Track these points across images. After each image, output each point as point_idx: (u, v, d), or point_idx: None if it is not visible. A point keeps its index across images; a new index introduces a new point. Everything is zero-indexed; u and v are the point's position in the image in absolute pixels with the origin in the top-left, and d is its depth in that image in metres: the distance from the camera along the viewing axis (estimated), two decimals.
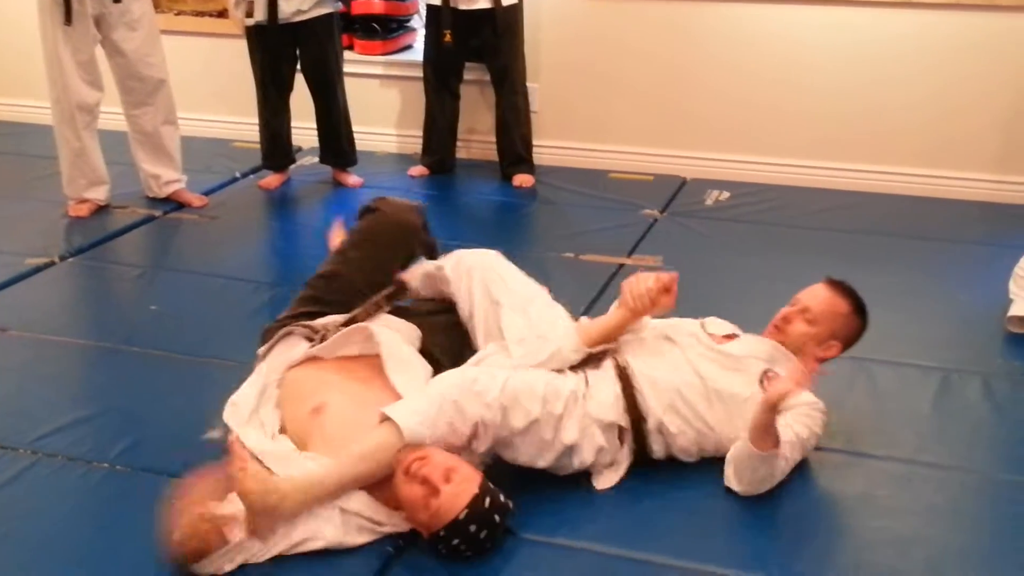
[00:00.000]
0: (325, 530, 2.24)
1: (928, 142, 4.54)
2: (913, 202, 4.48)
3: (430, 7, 4.65)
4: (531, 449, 2.40)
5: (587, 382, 2.52)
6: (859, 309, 2.71)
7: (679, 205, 4.48)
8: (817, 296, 2.71)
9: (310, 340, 2.64)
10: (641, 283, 2.58)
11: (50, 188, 4.50)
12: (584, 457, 2.46)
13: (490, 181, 4.81)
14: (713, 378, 2.54)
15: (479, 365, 2.56)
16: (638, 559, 2.28)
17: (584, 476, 2.52)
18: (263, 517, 2.19)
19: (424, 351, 2.66)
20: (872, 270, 3.77)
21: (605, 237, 4.07)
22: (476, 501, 2.20)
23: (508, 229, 4.40)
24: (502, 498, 2.27)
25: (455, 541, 2.21)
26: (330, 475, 2.25)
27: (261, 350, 2.71)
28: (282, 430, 2.50)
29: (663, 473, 2.57)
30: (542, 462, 2.42)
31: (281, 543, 2.22)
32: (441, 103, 4.81)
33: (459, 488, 2.20)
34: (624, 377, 2.52)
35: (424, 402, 2.32)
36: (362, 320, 2.66)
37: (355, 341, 2.60)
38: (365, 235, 2.83)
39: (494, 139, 4.84)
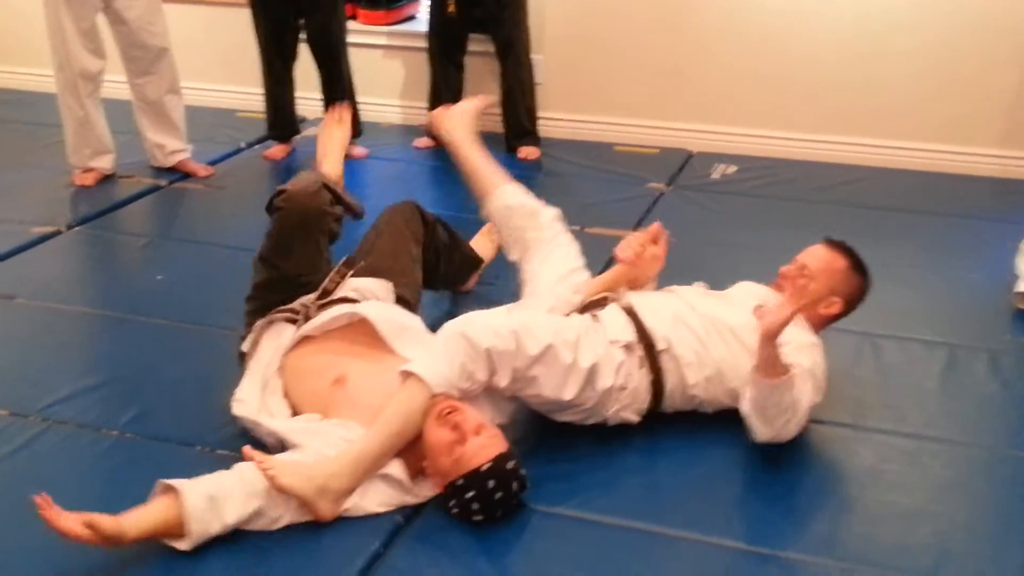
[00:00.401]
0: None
1: (936, 116, 4.53)
2: (920, 177, 4.48)
3: None
4: (554, 378, 2.41)
5: (595, 317, 2.62)
6: (857, 266, 2.75)
7: (685, 178, 4.47)
8: (815, 254, 2.76)
9: (293, 322, 2.64)
10: (632, 238, 2.78)
11: (55, 156, 4.48)
12: (605, 381, 2.47)
13: (495, 153, 4.75)
14: (707, 309, 2.65)
15: None
16: (647, 531, 2.28)
17: (599, 440, 2.55)
18: (320, 501, 2.21)
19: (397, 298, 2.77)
20: (878, 245, 3.74)
21: (611, 210, 4.07)
22: (501, 458, 2.24)
23: None
24: (523, 471, 2.29)
25: (470, 494, 2.23)
26: (371, 442, 2.27)
27: (245, 346, 2.68)
28: (295, 414, 2.50)
29: (674, 446, 2.59)
30: (568, 394, 2.43)
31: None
32: (445, 75, 4.78)
33: (487, 441, 2.25)
34: (628, 309, 2.63)
35: (437, 347, 2.36)
36: (332, 290, 2.69)
37: (342, 319, 2.60)
38: (279, 239, 2.76)
39: (498, 111, 4.81)
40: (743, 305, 2.61)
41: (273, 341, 2.63)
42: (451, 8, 4.54)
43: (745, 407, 2.46)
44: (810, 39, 4.58)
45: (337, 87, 4.62)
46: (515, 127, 4.77)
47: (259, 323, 2.67)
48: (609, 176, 4.48)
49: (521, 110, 4.74)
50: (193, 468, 2.30)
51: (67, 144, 4.34)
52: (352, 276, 2.79)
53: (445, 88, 4.78)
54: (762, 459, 2.56)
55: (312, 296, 2.70)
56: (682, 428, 2.66)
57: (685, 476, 2.49)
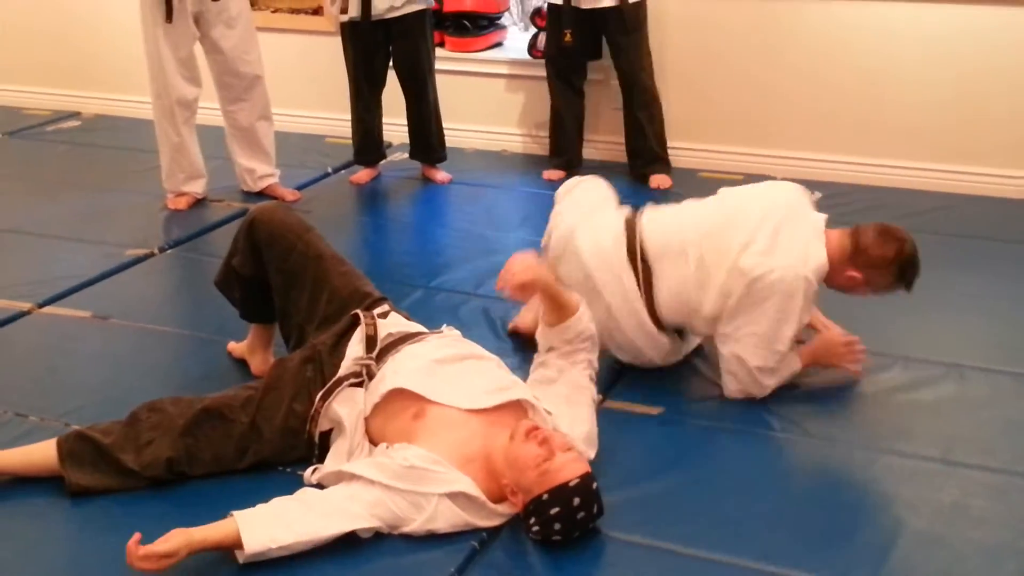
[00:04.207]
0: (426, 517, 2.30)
1: (1015, 140, 4.43)
2: (1008, 204, 4.37)
3: (551, 6, 4.62)
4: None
5: None
6: (898, 264, 2.82)
7: None
8: (867, 235, 2.85)
9: (359, 385, 2.57)
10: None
11: (150, 181, 4.62)
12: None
13: (620, 182, 4.71)
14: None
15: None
16: (720, 561, 2.27)
17: (670, 468, 2.56)
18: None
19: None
20: (964, 274, 3.70)
21: None
22: (587, 477, 2.27)
23: None
24: (603, 497, 2.31)
25: (554, 510, 2.23)
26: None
27: (322, 427, 2.56)
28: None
29: (747, 477, 2.58)
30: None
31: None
32: (566, 102, 4.77)
33: (575, 460, 2.29)
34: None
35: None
36: (374, 336, 2.62)
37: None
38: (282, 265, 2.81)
39: (620, 140, 4.79)
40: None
41: (351, 409, 2.53)
42: (568, 38, 4.54)
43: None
44: (898, 64, 4.52)
45: (423, 113, 4.69)
46: (645, 154, 4.71)
47: (319, 402, 2.54)
48: None
49: (650, 136, 4.69)
50: (279, 490, 2.36)
51: (162, 169, 4.47)
52: (379, 316, 2.72)
53: (567, 114, 4.78)
54: (841, 491, 2.53)
55: (358, 351, 2.60)
56: (754, 458, 2.65)
57: (758, 508, 2.46)
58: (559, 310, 2.62)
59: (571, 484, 2.24)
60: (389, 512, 2.30)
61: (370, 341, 2.62)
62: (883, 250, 2.82)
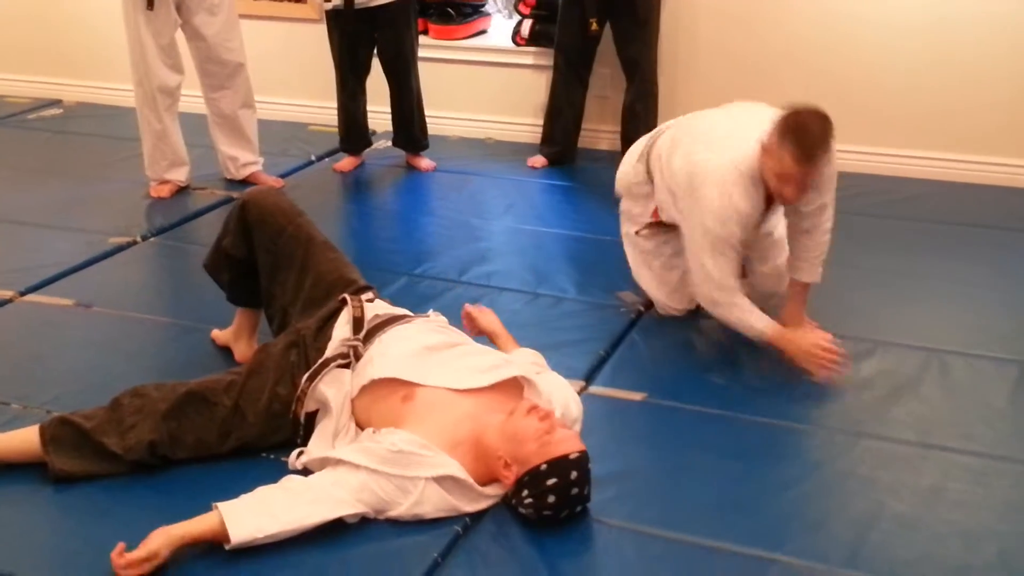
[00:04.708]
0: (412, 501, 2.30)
1: (995, 128, 4.46)
2: (991, 191, 4.40)
3: None
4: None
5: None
6: (787, 126, 2.75)
7: None
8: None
9: (346, 367, 2.58)
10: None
11: (133, 169, 4.61)
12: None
13: (611, 171, 4.70)
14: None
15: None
16: (701, 544, 2.29)
17: (659, 458, 2.55)
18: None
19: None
20: (944, 260, 3.73)
21: None
22: (585, 455, 2.31)
23: None
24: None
25: (551, 481, 2.25)
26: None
27: (308, 408, 2.56)
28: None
29: (724, 460, 2.60)
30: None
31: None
32: (569, 93, 4.73)
33: (575, 437, 2.35)
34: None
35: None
36: (361, 317, 2.65)
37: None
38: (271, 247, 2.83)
39: (617, 129, 4.77)
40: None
41: (337, 391, 2.54)
42: (594, 27, 4.50)
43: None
44: (881, 48, 4.54)
45: (405, 101, 4.69)
46: None
47: (305, 383, 2.54)
48: None
49: (642, 128, 4.65)
50: (263, 476, 2.37)
51: (144, 157, 4.46)
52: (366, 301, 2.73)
53: (567, 104, 4.75)
54: (822, 475, 2.55)
55: (345, 332, 2.62)
56: (735, 443, 2.67)
57: (739, 492, 2.48)
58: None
59: (571, 457, 2.27)
60: (375, 497, 2.30)
61: (357, 323, 2.64)
62: (780, 122, 2.77)
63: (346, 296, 2.71)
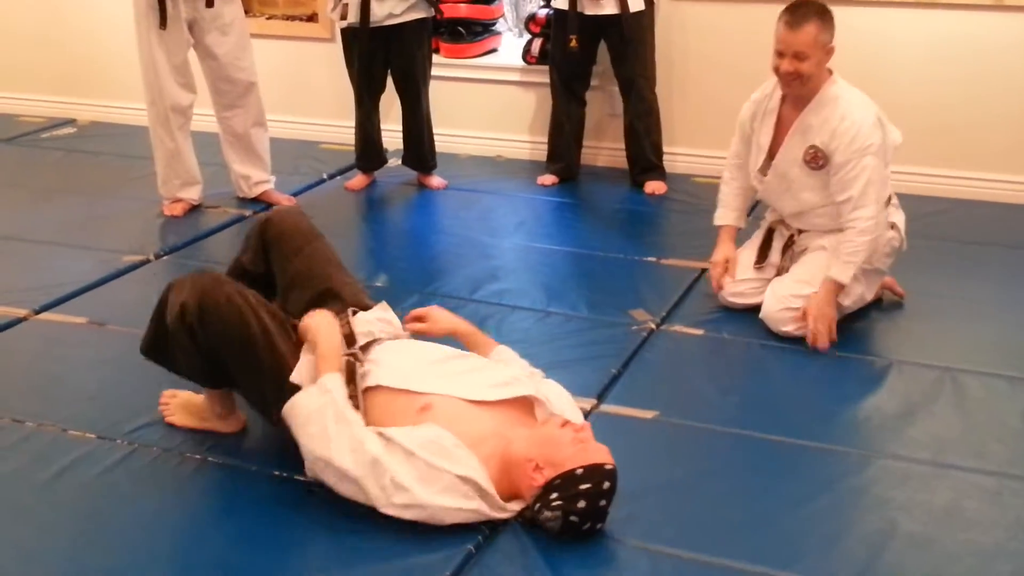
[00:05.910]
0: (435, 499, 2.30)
1: (1009, 145, 4.46)
2: (1004, 209, 4.40)
3: (556, 11, 4.61)
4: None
5: None
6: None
7: None
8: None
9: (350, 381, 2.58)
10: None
11: (146, 188, 4.63)
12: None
13: (620, 187, 4.76)
14: None
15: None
16: (713, 563, 2.29)
17: (674, 482, 2.54)
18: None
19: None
20: (958, 278, 3.72)
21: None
22: (616, 472, 2.31)
23: (648, 235, 4.35)
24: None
25: (584, 486, 2.25)
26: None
27: (295, 377, 2.58)
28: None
29: (735, 479, 2.60)
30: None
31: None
32: (568, 108, 4.76)
33: (608, 452, 2.34)
34: None
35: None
36: (344, 325, 2.65)
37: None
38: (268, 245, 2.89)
39: (620, 146, 4.79)
40: None
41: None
42: (573, 44, 4.52)
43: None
44: (893, 68, 4.54)
45: (415, 121, 4.70)
46: (641, 162, 4.72)
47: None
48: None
49: (646, 145, 4.70)
50: (272, 495, 2.38)
51: (157, 175, 4.48)
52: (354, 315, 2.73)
53: (567, 121, 4.78)
54: (834, 494, 2.54)
55: (336, 341, 2.59)
56: (746, 461, 2.68)
57: (751, 510, 2.48)
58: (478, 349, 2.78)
59: (607, 467, 2.29)
60: (384, 473, 2.30)
61: (349, 339, 2.62)
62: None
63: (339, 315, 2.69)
